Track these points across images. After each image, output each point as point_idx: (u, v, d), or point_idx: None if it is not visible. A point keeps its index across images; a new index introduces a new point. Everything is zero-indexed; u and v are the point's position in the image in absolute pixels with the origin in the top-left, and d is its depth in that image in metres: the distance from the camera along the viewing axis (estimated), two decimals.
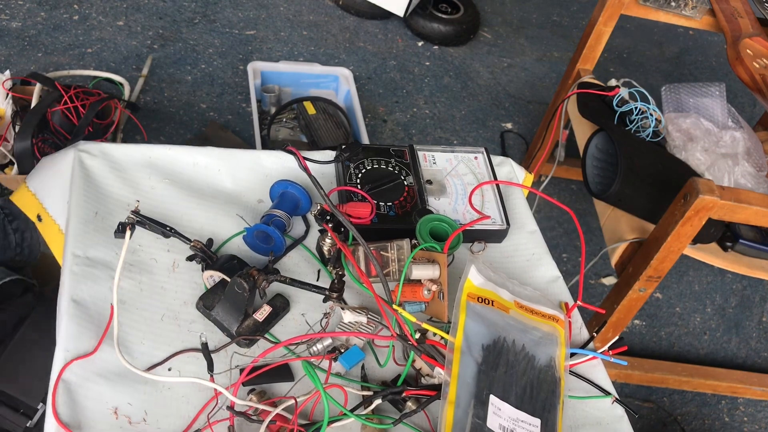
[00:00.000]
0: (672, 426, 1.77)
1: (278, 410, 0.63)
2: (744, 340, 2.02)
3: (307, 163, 0.81)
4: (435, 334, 0.69)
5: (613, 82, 1.59)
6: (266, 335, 0.72)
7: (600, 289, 2.02)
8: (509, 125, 2.45)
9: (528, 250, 0.88)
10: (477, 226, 0.83)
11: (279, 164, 0.88)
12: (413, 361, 0.70)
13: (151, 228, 0.73)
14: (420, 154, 0.91)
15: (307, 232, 0.83)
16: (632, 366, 1.71)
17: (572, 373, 0.74)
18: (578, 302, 0.80)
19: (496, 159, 0.95)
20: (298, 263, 0.80)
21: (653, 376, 1.72)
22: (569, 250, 2.10)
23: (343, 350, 0.70)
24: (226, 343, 0.69)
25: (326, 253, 0.77)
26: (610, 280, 2.02)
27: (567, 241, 2.12)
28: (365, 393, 0.68)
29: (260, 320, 0.71)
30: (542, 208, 2.15)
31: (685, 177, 1.19)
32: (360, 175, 0.85)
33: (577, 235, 2.12)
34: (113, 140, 1.76)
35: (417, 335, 0.68)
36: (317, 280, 0.78)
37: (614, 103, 1.51)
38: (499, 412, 0.63)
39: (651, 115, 1.49)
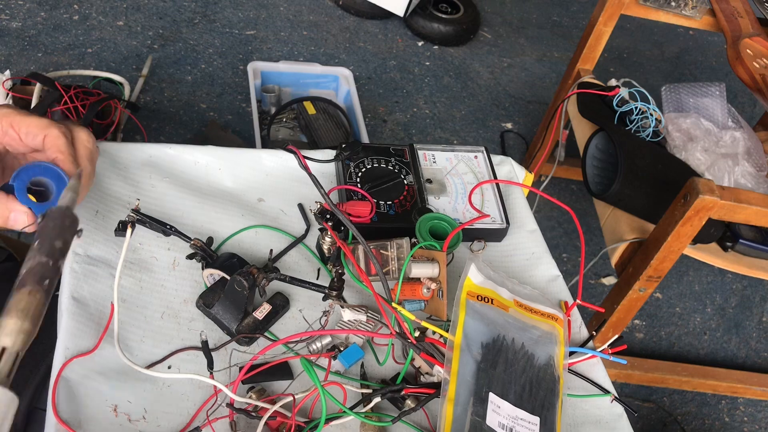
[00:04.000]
0: (672, 426, 1.77)
1: (276, 407, 0.63)
2: (744, 340, 2.02)
3: (308, 161, 0.81)
4: (434, 333, 0.69)
5: (613, 82, 1.60)
6: (266, 333, 0.72)
7: (600, 289, 2.02)
8: (509, 125, 2.45)
9: (528, 249, 0.88)
10: (477, 225, 0.83)
11: (279, 163, 0.88)
12: (412, 359, 0.70)
13: (151, 226, 0.74)
14: (420, 153, 0.91)
15: (307, 230, 0.83)
16: (632, 366, 1.71)
17: (571, 371, 0.75)
18: (577, 301, 0.80)
19: (496, 158, 0.95)
20: (298, 261, 0.80)
21: (653, 376, 1.72)
22: (569, 250, 2.10)
23: (342, 348, 0.70)
24: (226, 341, 0.70)
25: (326, 251, 0.77)
26: (610, 280, 2.03)
27: (567, 241, 2.12)
28: (364, 391, 0.68)
29: (260, 318, 0.71)
30: (542, 208, 2.15)
31: (685, 177, 1.19)
32: (360, 174, 0.86)
33: (577, 235, 2.13)
34: (113, 140, 1.76)
35: (416, 333, 0.68)
36: (317, 279, 0.78)
37: (614, 103, 1.52)
38: (499, 410, 0.63)
39: (651, 115, 1.49)
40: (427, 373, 0.70)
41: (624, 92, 1.53)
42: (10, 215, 0.58)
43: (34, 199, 0.60)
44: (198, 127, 2.07)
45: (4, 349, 0.44)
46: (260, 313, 0.72)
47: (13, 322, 0.45)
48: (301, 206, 0.85)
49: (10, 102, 1.61)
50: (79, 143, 0.64)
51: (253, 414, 0.63)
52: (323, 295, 0.73)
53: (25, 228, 0.59)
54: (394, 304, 0.69)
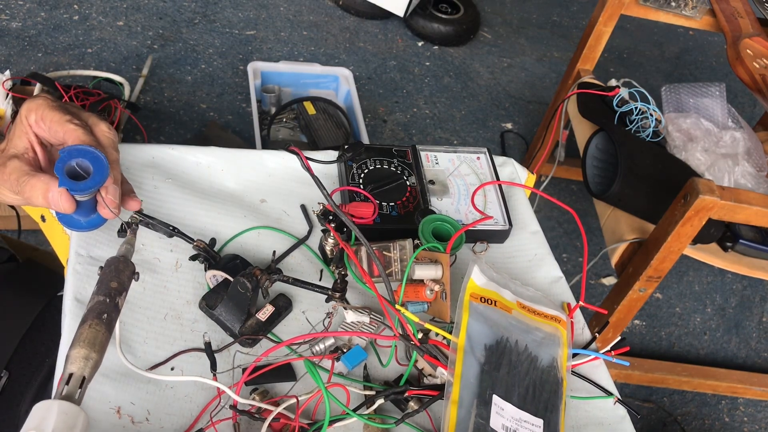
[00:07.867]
0: (672, 426, 1.77)
1: (280, 409, 0.63)
2: (744, 340, 2.03)
3: (310, 163, 0.81)
4: (437, 334, 0.69)
5: (613, 82, 1.60)
6: (269, 335, 0.72)
7: (600, 289, 2.02)
8: (509, 125, 2.45)
9: (530, 250, 0.88)
10: (479, 227, 0.83)
11: (282, 164, 0.88)
12: (416, 361, 0.70)
13: (154, 228, 0.73)
14: (422, 154, 0.91)
15: (309, 232, 0.83)
16: (632, 366, 1.71)
17: (575, 373, 0.75)
18: (580, 303, 0.80)
19: (499, 159, 0.95)
20: (301, 263, 0.80)
21: (653, 376, 1.72)
22: (569, 250, 2.10)
23: (345, 350, 0.70)
24: (229, 342, 0.69)
25: (329, 253, 0.77)
26: (610, 280, 2.03)
27: (567, 241, 2.12)
28: (367, 393, 0.68)
29: (263, 320, 0.71)
30: (542, 208, 2.15)
31: (685, 177, 1.19)
32: (362, 175, 0.85)
33: (576, 235, 2.13)
34: None
35: (419, 335, 0.68)
36: (320, 280, 0.78)
37: (614, 103, 1.52)
38: (502, 412, 0.63)
39: (651, 115, 1.49)
40: (430, 375, 0.70)
41: (624, 92, 1.53)
42: (48, 194, 0.62)
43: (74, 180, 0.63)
44: (198, 127, 2.07)
45: (71, 375, 0.54)
46: (263, 314, 0.72)
47: (75, 352, 0.54)
48: (303, 207, 0.85)
49: (10, 103, 1.61)
50: (100, 133, 0.67)
51: (256, 416, 0.63)
52: (326, 296, 0.73)
53: (61, 208, 0.63)
54: (397, 306, 0.69)
